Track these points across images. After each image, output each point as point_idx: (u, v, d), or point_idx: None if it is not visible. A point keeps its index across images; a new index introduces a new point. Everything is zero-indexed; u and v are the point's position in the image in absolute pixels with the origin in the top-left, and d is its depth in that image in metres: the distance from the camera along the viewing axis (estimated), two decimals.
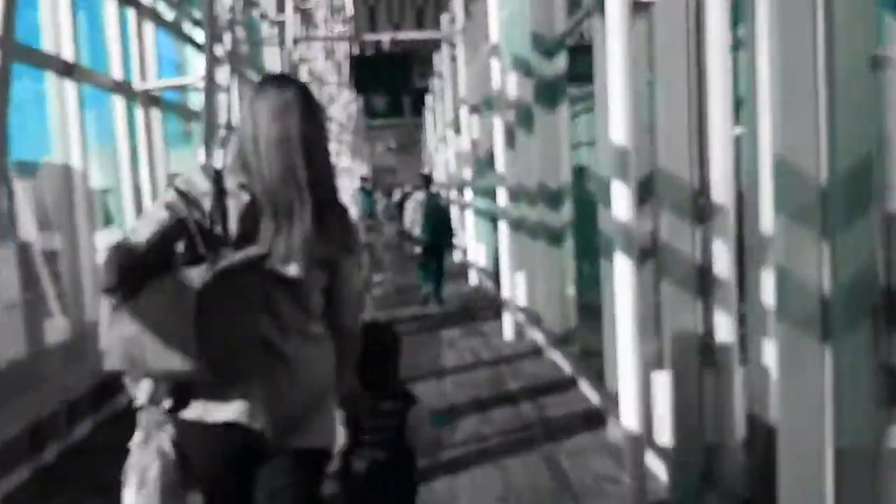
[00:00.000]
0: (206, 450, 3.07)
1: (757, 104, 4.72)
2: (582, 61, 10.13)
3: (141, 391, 3.07)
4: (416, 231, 14.91)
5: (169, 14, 11.98)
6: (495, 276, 15.76)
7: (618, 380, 5.86)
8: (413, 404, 3.97)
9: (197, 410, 3.03)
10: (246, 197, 3.07)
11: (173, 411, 3.05)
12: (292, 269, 3.08)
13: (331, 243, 3.15)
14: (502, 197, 12.27)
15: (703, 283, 5.36)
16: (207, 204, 3.03)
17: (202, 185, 3.06)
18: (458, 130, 22.21)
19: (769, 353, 4.80)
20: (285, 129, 3.09)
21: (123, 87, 10.16)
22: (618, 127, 5.34)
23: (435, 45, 27.23)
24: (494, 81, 12.35)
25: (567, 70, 9.96)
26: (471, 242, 19.80)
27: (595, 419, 7.41)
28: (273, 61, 19.24)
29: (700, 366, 5.39)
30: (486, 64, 15.00)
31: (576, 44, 9.94)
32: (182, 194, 3.04)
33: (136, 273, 2.90)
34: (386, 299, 16.18)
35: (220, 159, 11.81)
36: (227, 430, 3.02)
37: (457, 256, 23.25)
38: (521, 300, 11.64)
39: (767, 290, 4.73)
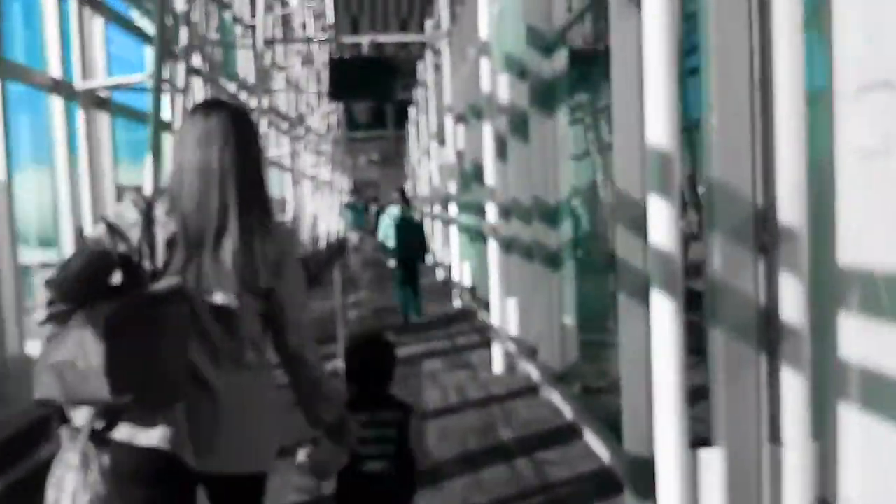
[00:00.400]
0: (137, 471, 3.06)
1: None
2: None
3: (79, 416, 3.05)
4: (390, 244, 15.12)
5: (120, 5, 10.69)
6: (476, 296, 15.14)
7: (648, 450, 4.59)
8: (411, 414, 3.93)
9: (126, 433, 3.03)
10: (172, 226, 3.08)
11: (104, 433, 3.04)
12: (220, 298, 3.08)
13: (260, 270, 3.11)
14: (492, 213, 10.97)
15: (767, 331, 4.08)
16: (136, 235, 3.06)
17: (130, 216, 3.08)
18: (442, 141, 20.97)
19: (847, 427, 3.56)
20: (206, 159, 3.11)
21: (62, 87, 8.86)
22: (657, 127, 4.05)
23: (418, 54, 25.92)
24: (484, 84, 11.09)
25: (567, 70, 8.71)
26: (455, 261, 18.49)
27: (609, 485, 6.13)
28: (247, 67, 18.00)
29: (760, 441, 4.12)
30: (474, 68, 13.80)
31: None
32: (110, 227, 3.07)
33: (65, 305, 2.93)
34: (361, 322, 14.82)
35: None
36: (153, 455, 3.03)
37: (439, 275, 22.00)
38: (513, 329, 10.36)
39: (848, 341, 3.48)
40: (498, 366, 10.41)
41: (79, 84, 9.23)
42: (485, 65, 10.96)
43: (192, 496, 3.18)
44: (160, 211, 3.09)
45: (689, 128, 6.50)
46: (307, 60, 26.01)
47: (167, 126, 10.82)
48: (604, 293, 10.05)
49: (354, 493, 3.88)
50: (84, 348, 2.84)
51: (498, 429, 7.92)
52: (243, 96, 17.11)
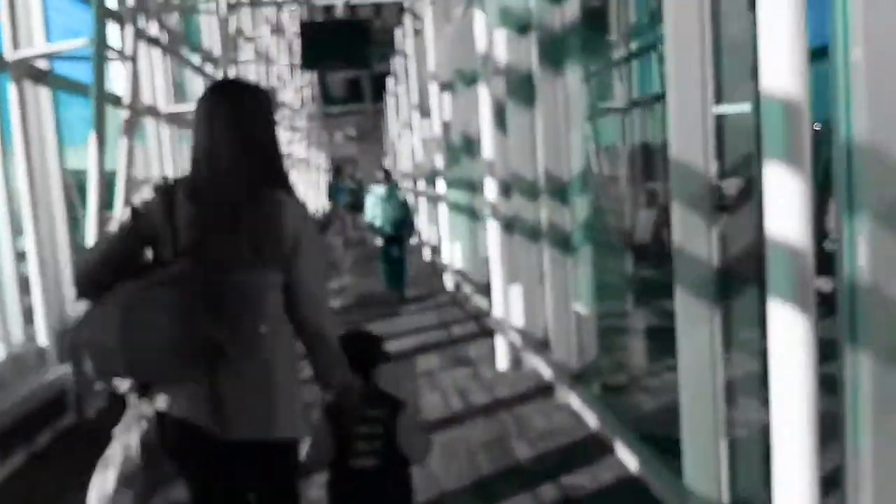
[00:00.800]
0: (176, 437, 3.17)
1: None
2: None
3: (122, 384, 3.18)
4: (378, 223, 14.87)
5: None
6: (468, 279, 14.16)
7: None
8: (402, 409, 3.80)
9: (162, 403, 3.16)
10: (192, 207, 3.15)
11: (141, 402, 3.21)
12: (238, 274, 3.13)
13: (276, 246, 3.15)
14: (491, 189, 9.72)
15: None
16: (158, 218, 3.14)
17: (153, 201, 3.18)
18: (425, 113, 19.64)
19: None
20: (219, 139, 3.18)
21: None
22: (780, 62, 2.82)
23: (395, 21, 24.42)
24: (479, 42, 9.81)
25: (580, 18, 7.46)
26: (444, 241, 17.22)
27: None
28: (213, 39, 16.54)
29: None
30: (462, 29, 12.52)
31: None
32: (135, 212, 3.18)
33: (92, 285, 3.10)
34: (346, 312, 13.57)
35: (123, 149, 9.28)
36: (185, 424, 3.13)
37: (426, 255, 20.75)
38: (518, 319, 9.15)
39: None
40: (502, 361, 9.21)
41: (9, 54, 7.94)
42: (479, 20, 9.68)
43: (220, 464, 3.21)
44: (181, 195, 3.16)
45: None
46: (277, 29, 24.55)
47: (114, 99, 9.51)
48: (619, 276, 8.86)
49: (346, 489, 3.75)
50: (106, 329, 2.98)
51: (512, 445, 6.73)
52: (209, 69, 15.74)
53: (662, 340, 8.30)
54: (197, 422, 3.11)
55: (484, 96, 9.72)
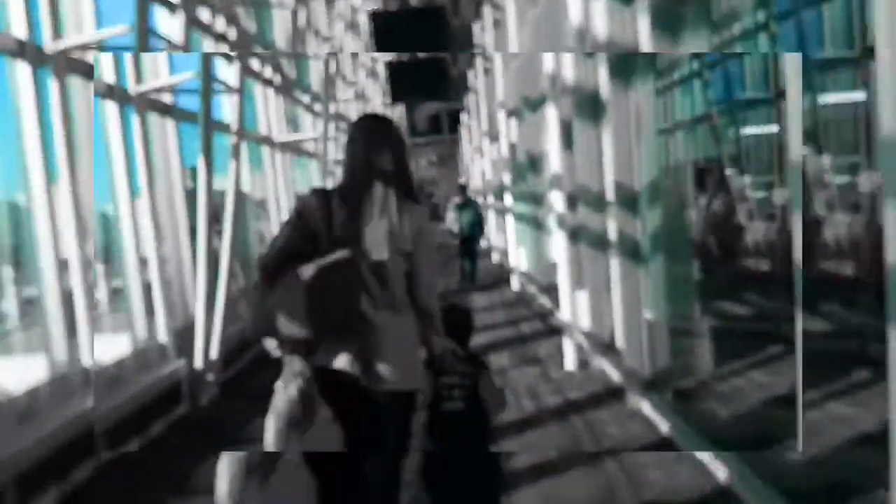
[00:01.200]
0: (329, 386, 3.15)
1: None
2: None
3: (282, 349, 3.17)
4: (455, 228, 14.62)
5: None
6: (534, 280, 12.59)
7: None
8: (485, 369, 3.65)
9: (321, 359, 3.14)
10: (345, 209, 3.15)
11: (306, 359, 3.16)
12: (380, 257, 3.13)
13: (407, 239, 3.16)
14: (558, 201, 7.99)
15: None
16: (317, 216, 3.15)
17: (313, 204, 3.18)
18: (494, 138, 17.97)
19: None
20: (370, 159, 3.18)
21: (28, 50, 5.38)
22: None
23: (468, 60, 22.45)
24: (546, 66, 8.10)
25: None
26: (511, 246, 15.50)
27: None
28: (282, 35, 13.89)
29: None
30: (525, 66, 10.83)
31: None
32: (299, 213, 3.20)
33: (270, 272, 3.12)
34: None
35: (232, 170, 7.81)
36: (339, 374, 3.12)
37: (495, 258, 19.04)
38: (585, 323, 7.44)
39: None
40: (570, 362, 7.49)
41: (49, 45, 5.61)
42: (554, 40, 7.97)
43: (363, 406, 3.15)
44: (336, 199, 3.17)
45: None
46: (371, 74, 22.94)
47: (222, 127, 7.97)
48: (687, 282, 7.09)
49: (437, 426, 3.50)
50: (287, 301, 3.05)
51: (589, 454, 5.01)
52: (311, 105, 14.21)
53: (726, 342, 6.72)
54: (352, 375, 3.12)
55: (552, 114, 8.00)
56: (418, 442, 3.48)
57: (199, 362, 7.16)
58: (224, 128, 8.43)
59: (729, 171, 5.49)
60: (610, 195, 6.44)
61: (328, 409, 3.17)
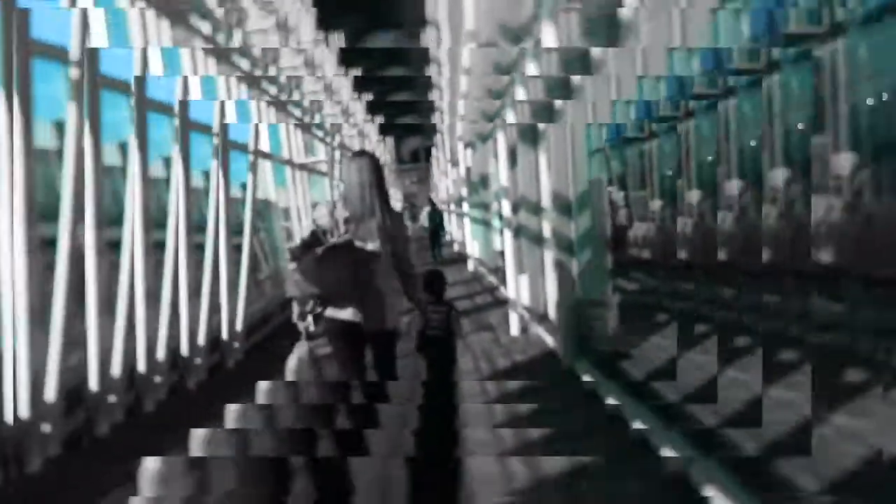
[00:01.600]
0: (337, 332, 3.38)
1: None
2: None
3: (302, 305, 3.49)
4: (426, 224, 16.19)
5: None
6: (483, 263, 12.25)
7: None
8: (453, 309, 4.15)
9: (331, 312, 3.37)
10: (345, 213, 3.40)
11: (321, 312, 3.41)
12: (370, 245, 3.36)
13: (389, 230, 3.38)
14: (506, 207, 7.74)
15: None
16: (326, 220, 3.43)
17: (323, 212, 3.51)
18: (455, 164, 17.71)
19: None
20: (360, 180, 3.43)
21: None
22: None
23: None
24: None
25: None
26: (467, 239, 15.31)
27: None
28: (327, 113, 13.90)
29: None
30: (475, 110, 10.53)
31: None
32: (314, 222, 3.54)
33: (298, 253, 3.50)
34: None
35: (249, 182, 7.43)
36: (345, 323, 3.34)
37: (455, 248, 18.80)
38: (525, 299, 7.22)
39: None
40: (514, 329, 7.27)
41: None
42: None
43: (364, 343, 3.39)
44: (339, 207, 3.44)
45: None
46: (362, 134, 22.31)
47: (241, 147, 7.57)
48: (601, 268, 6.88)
49: (426, 345, 4.01)
50: (307, 270, 3.37)
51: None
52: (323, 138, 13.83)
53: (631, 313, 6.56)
54: (353, 320, 3.33)
55: (501, 142, 7.75)
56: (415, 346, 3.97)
57: (225, 334, 6.75)
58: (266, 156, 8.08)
59: (611, 188, 5.64)
60: (545, 202, 6.23)
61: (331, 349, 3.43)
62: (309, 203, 11.38)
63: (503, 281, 8.04)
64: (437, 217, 16.04)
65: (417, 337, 3.95)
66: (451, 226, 21.05)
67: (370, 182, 3.38)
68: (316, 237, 3.41)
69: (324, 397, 3.46)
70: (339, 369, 3.39)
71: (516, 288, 7.28)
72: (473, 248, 14.27)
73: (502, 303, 7.85)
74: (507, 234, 7.54)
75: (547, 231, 6.14)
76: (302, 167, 11.82)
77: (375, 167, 3.44)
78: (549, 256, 6.16)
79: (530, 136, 6.54)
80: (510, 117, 7.19)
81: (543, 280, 6.52)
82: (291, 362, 3.56)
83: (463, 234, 16.72)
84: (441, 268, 13.66)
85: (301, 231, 10.12)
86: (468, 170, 14.72)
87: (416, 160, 40.33)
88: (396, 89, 14.58)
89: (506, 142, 7.49)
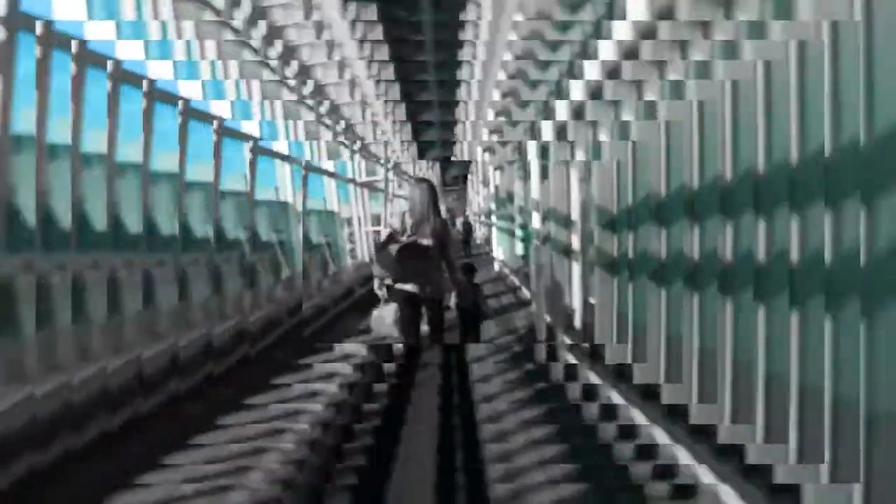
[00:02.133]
0: (404, 299, 3.47)
1: None
2: None
3: (381, 280, 3.55)
4: (460, 230, 15.36)
5: None
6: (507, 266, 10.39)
7: None
8: (480, 290, 4.48)
9: (399, 285, 3.47)
10: (410, 220, 3.49)
11: (394, 286, 3.48)
12: (425, 242, 3.46)
13: (439, 232, 3.50)
14: (536, 219, 5.85)
15: None
16: (398, 224, 3.53)
17: (396, 219, 3.61)
18: (486, 184, 15.94)
19: None
20: (422, 198, 3.52)
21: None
22: None
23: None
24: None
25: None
26: (494, 245, 13.47)
27: None
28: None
29: None
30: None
31: None
32: (390, 225, 3.88)
33: (380, 247, 3.61)
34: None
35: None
36: (408, 293, 3.46)
37: (483, 250, 16.95)
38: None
39: None
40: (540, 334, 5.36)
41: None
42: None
43: (421, 306, 3.51)
44: (407, 216, 3.51)
45: None
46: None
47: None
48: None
49: (462, 317, 4.22)
50: (390, 260, 3.43)
51: None
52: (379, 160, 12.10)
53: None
54: (415, 291, 3.45)
55: (534, 162, 5.86)
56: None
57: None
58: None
59: None
60: (574, 216, 4.38)
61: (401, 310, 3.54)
62: (369, 213, 10.01)
63: (526, 283, 6.14)
64: (467, 226, 16.33)
65: (457, 310, 3.93)
66: (479, 232, 19.23)
67: (428, 200, 3.51)
68: (392, 235, 3.54)
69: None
70: (403, 324, 3.55)
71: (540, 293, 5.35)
72: (498, 252, 12.39)
73: (526, 304, 5.95)
74: (535, 243, 5.61)
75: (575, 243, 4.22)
76: (363, 185, 10.32)
77: (431, 189, 3.61)
78: (575, 267, 4.23)
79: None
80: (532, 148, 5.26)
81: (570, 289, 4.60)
82: (374, 313, 3.73)
83: (490, 239, 14.86)
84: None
85: (361, 235, 9.93)
86: (496, 188, 12.86)
87: (456, 183, 40.28)
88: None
89: (537, 161, 5.56)
